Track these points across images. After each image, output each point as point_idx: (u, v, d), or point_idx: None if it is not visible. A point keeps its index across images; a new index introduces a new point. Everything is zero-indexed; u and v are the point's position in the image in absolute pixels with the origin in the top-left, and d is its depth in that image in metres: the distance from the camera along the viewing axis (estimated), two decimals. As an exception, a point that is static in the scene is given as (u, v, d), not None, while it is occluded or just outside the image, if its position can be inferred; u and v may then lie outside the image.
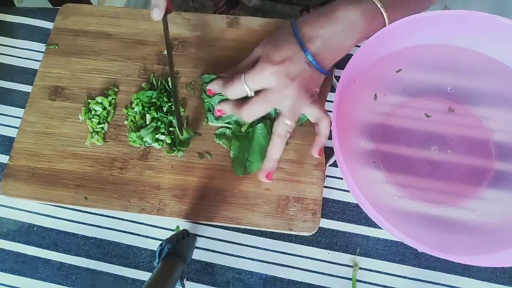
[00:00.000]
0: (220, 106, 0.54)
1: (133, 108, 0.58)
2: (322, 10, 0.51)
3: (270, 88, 0.49)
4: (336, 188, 0.56)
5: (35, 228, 0.56)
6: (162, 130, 0.56)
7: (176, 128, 0.55)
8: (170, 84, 0.58)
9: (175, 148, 0.55)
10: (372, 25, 0.50)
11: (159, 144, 0.56)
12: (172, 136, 0.56)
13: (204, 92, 0.57)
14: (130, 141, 0.56)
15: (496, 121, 0.56)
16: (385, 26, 0.50)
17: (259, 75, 0.49)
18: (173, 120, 0.57)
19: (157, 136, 0.56)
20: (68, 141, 0.57)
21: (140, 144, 0.56)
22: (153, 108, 0.57)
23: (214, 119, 0.56)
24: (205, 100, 0.57)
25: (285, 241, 0.54)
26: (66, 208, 0.56)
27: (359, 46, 0.48)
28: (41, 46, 0.64)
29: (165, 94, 0.58)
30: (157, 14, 0.54)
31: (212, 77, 0.56)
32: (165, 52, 0.61)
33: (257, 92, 0.51)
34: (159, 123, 0.56)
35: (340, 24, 0.50)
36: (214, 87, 0.55)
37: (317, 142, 0.52)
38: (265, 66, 0.49)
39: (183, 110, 0.58)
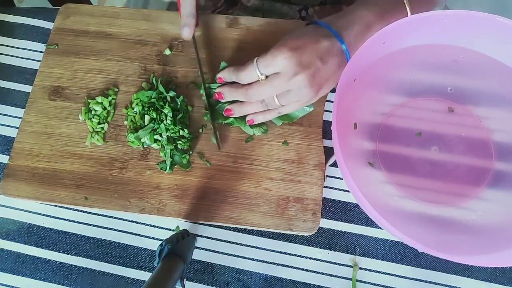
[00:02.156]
0: (220, 89, 0.54)
1: (133, 108, 0.58)
2: (342, 13, 0.53)
3: (279, 72, 0.49)
4: (336, 188, 0.56)
5: (35, 228, 0.56)
6: (162, 133, 0.56)
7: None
8: (205, 100, 0.58)
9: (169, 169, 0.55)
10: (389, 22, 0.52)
11: (158, 145, 0.56)
12: (173, 150, 0.55)
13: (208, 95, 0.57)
14: (128, 141, 0.56)
15: (496, 121, 0.56)
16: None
17: (271, 59, 0.48)
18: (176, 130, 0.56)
19: (155, 137, 0.56)
20: (68, 141, 0.57)
21: (138, 145, 0.56)
22: (152, 108, 0.57)
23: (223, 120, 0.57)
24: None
25: (285, 241, 0.54)
26: (66, 208, 0.56)
27: (359, 46, 0.48)
28: (41, 46, 0.64)
29: (162, 95, 0.58)
30: (187, 33, 0.55)
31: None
32: (166, 52, 0.61)
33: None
34: (157, 124, 0.56)
35: (357, 25, 0.51)
36: (225, 74, 0.54)
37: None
38: (279, 50, 0.48)
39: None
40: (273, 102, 0.51)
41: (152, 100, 0.57)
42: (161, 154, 0.56)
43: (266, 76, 0.50)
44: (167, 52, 0.61)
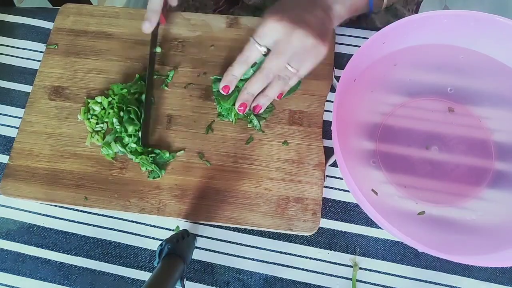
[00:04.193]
0: (240, 99, 0.54)
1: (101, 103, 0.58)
2: None
3: (278, 38, 0.49)
4: (336, 188, 0.56)
5: (35, 228, 0.56)
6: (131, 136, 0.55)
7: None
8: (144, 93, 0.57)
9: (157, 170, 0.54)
10: None
11: (131, 154, 0.55)
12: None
13: (216, 98, 0.57)
14: (102, 153, 0.55)
15: (496, 121, 0.56)
16: None
17: (264, 27, 0.49)
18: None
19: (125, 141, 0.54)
20: (68, 141, 0.57)
21: (112, 157, 0.55)
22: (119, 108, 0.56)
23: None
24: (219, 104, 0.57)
25: (285, 241, 0.54)
26: (66, 208, 0.56)
27: (359, 46, 0.48)
28: (41, 46, 0.64)
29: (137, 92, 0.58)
30: (146, 27, 0.58)
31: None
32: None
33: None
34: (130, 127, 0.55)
35: None
36: (226, 80, 0.54)
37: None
38: (266, 19, 0.49)
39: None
40: (289, 72, 0.52)
41: (128, 97, 0.57)
42: (142, 169, 0.55)
43: (268, 49, 0.51)
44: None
